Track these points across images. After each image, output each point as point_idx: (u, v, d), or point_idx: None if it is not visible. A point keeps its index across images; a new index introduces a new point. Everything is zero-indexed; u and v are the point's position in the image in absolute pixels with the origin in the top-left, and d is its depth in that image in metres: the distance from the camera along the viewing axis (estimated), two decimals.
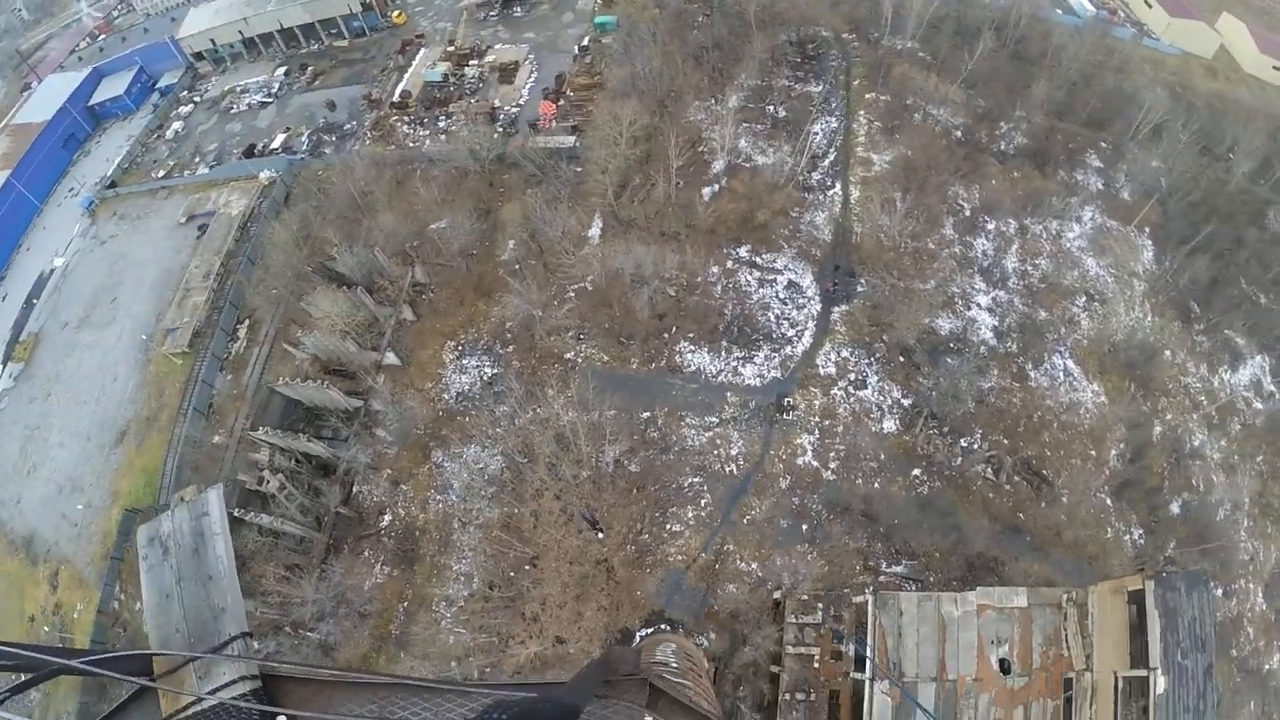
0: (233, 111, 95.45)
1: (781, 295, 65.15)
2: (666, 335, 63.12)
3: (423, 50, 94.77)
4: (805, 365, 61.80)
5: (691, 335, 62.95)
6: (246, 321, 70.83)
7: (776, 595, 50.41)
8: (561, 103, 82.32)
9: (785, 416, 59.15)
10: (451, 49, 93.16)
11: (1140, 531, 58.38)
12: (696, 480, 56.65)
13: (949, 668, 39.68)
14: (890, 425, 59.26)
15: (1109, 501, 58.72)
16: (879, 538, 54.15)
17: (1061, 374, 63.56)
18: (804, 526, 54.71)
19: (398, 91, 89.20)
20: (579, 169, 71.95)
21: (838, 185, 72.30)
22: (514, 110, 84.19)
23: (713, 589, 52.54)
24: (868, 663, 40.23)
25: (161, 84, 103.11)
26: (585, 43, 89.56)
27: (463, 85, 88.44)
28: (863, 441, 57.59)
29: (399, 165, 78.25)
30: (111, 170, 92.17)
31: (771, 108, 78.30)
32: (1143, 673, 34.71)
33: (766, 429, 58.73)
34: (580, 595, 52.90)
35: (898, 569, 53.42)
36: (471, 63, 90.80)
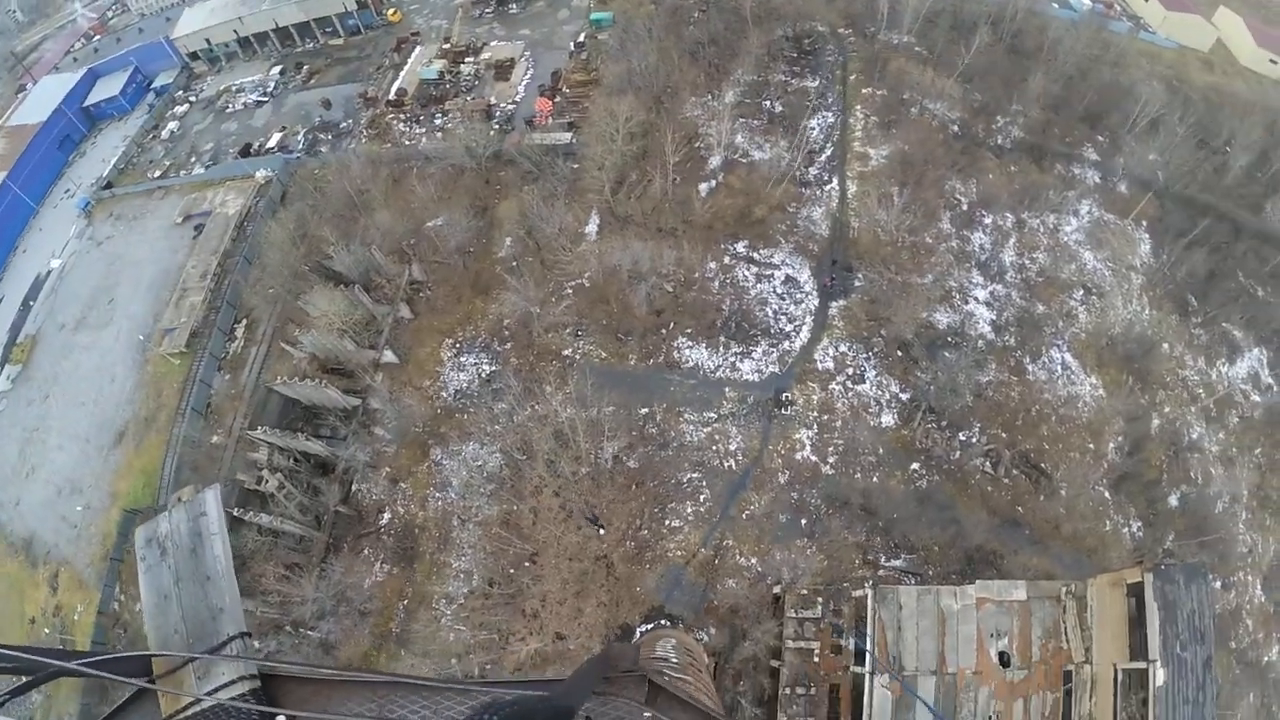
0: (228, 111, 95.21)
1: (779, 290, 65.14)
2: (664, 331, 63.10)
3: (418, 48, 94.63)
4: (803, 360, 61.81)
5: (689, 331, 62.92)
6: (244, 321, 70.75)
7: (776, 590, 50.46)
8: (557, 99, 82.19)
9: (783, 411, 59.17)
10: (447, 46, 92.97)
11: (1139, 524, 58.48)
12: (695, 476, 56.66)
13: (949, 661, 39.79)
14: (888, 419, 59.31)
15: (1107, 494, 58.81)
16: (878, 532, 54.22)
17: (1059, 367, 63.60)
18: (803, 521, 54.76)
19: (393, 89, 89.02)
20: (575, 166, 71.84)
21: (835, 180, 72.25)
22: (510, 107, 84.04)
23: (712, 584, 52.59)
24: (868, 657, 40.31)
25: (157, 84, 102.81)
26: (581, 39, 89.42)
27: (458, 83, 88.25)
28: (861, 436, 57.63)
29: (395, 163, 78.11)
30: (107, 171, 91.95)
31: (768, 103, 78.19)
32: (1142, 665, 34.84)
33: (765, 424, 58.75)
34: (580, 591, 52.94)
35: (897, 563, 53.49)
36: (467, 60, 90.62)
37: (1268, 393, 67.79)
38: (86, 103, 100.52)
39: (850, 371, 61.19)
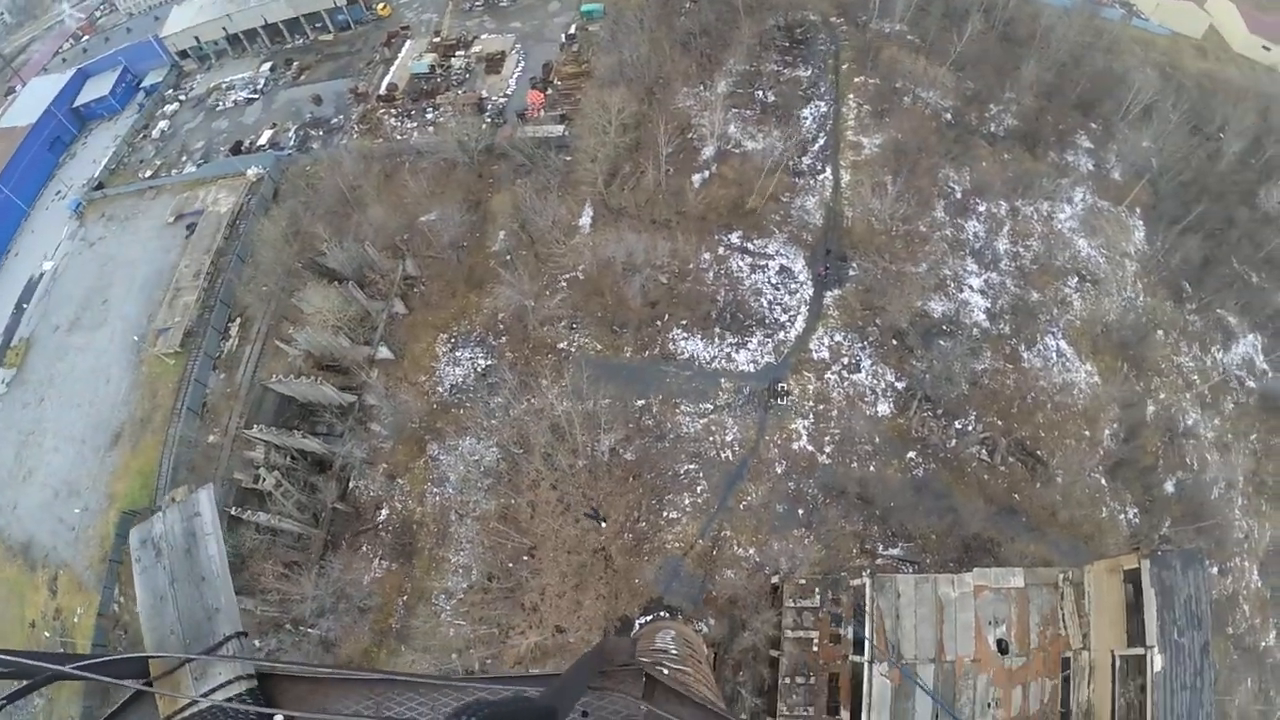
0: (219, 109, 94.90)
1: (774, 280, 65.08)
2: (659, 323, 63.02)
3: (408, 42, 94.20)
4: (798, 350, 61.80)
5: (684, 322, 62.87)
6: (238, 319, 70.58)
7: (774, 580, 50.56)
8: (549, 92, 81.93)
9: (779, 402, 59.18)
10: (437, 40, 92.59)
11: (1135, 511, 58.61)
12: (692, 467, 56.69)
13: (947, 649, 39.84)
14: (884, 408, 59.34)
15: (1104, 481, 58.92)
16: (875, 521, 54.31)
17: (1054, 355, 63.64)
18: (800, 511, 54.83)
19: (384, 84, 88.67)
20: (568, 158, 71.64)
21: (828, 169, 72.13)
22: (502, 100, 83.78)
23: (711, 575, 52.66)
24: (866, 645, 40.39)
25: (146, 83, 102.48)
26: (572, 31, 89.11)
27: (449, 76, 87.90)
28: (857, 425, 57.66)
29: (387, 158, 77.92)
30: (98, 172, 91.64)
31: (760, 93, 77.97)
32: (1140, 651, 34.85)
33: (761, 414, 58.76)
34: (579, 584, 53.00)
35: (894, 551, 53.59)
36: (458, 54, 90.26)
37: (1263, 378, 67.91)
38: (76, 103, 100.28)
39: (846, 361, 61.19)
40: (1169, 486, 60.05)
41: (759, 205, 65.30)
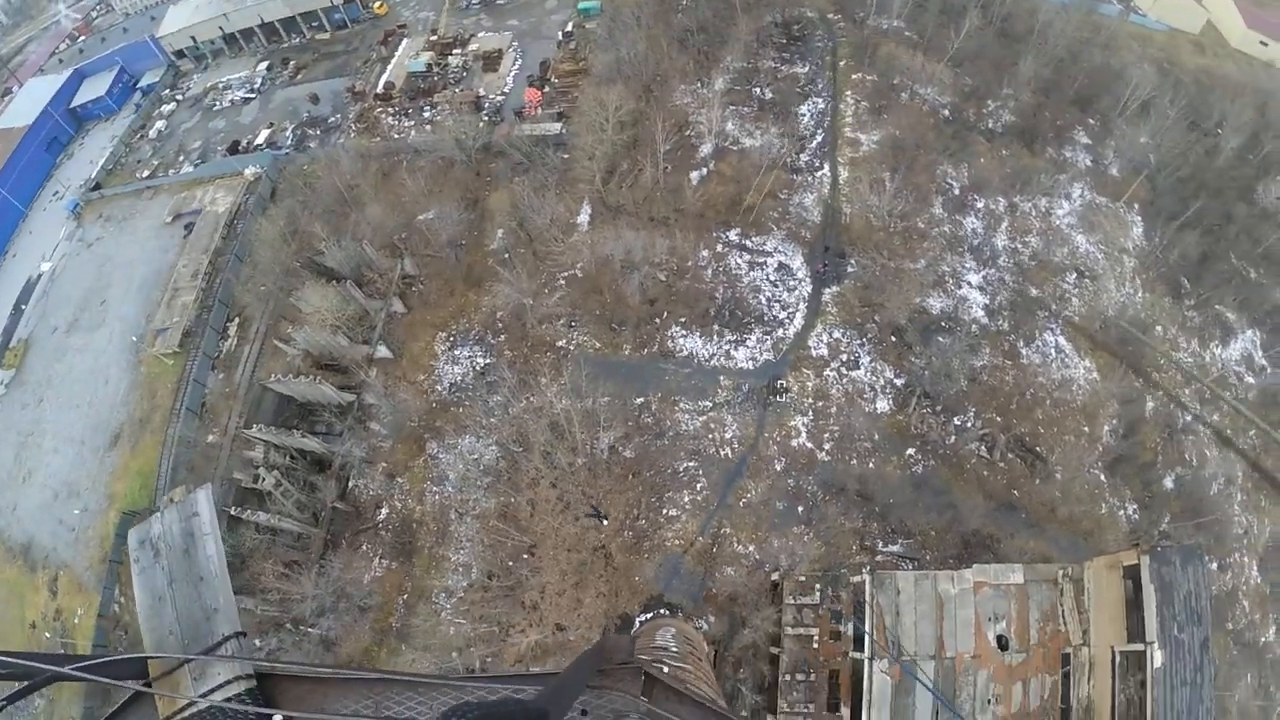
0: (216, 108, 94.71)
1: (772, 278, 65.04)
2: (658, 320, 62.99)
3: (405, 40, 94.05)
4: (797, 347, 61.78)
5: (683, 320, 62.84)
6: (236, 319, 70.54)
7: (774, 577, 50.54)
8: (546, 90, 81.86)
9: (778, 399, 59.18)
10: (434, 38, 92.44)
11: (1134, 507, 58.60)
12: (692, 464, 56.68)
13: (947, 645, 39.82)
14: (883, 405, 59.34)
15: (1103, 477, 58.92)
16: (875, 517, 54.32)
17: (1053, 351, 63.62)
18: (800, 508, 54.84)
19: (381, 83, 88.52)
20: (566, 156, 71.59)
21: (826, 166, 72.10)
22: (499, 99, 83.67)
23: (710, 572, 52.69)
24: (866, 642, 40.40)
25: (143, 83, 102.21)
26: (569, 28, 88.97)
27: (446, 75, 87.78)
28: (856, 422, 57.67)
29: (385, 157, 77.83)
30: (95, 172, 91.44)
31: (758, 90, 77.86)
32: (1139, 647, 34.82)
33: (760, 412, 58.76)
34: (579, 582, 53.01)
35: (894, 548, 53.62)
36: (455, 52, 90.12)
37: (1261, 374, 67.86)
38: (73, 104, 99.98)
39: (844, 358, 61.19)
40: (1168, 482, 60.04)
41: (756, 202, 65.25)
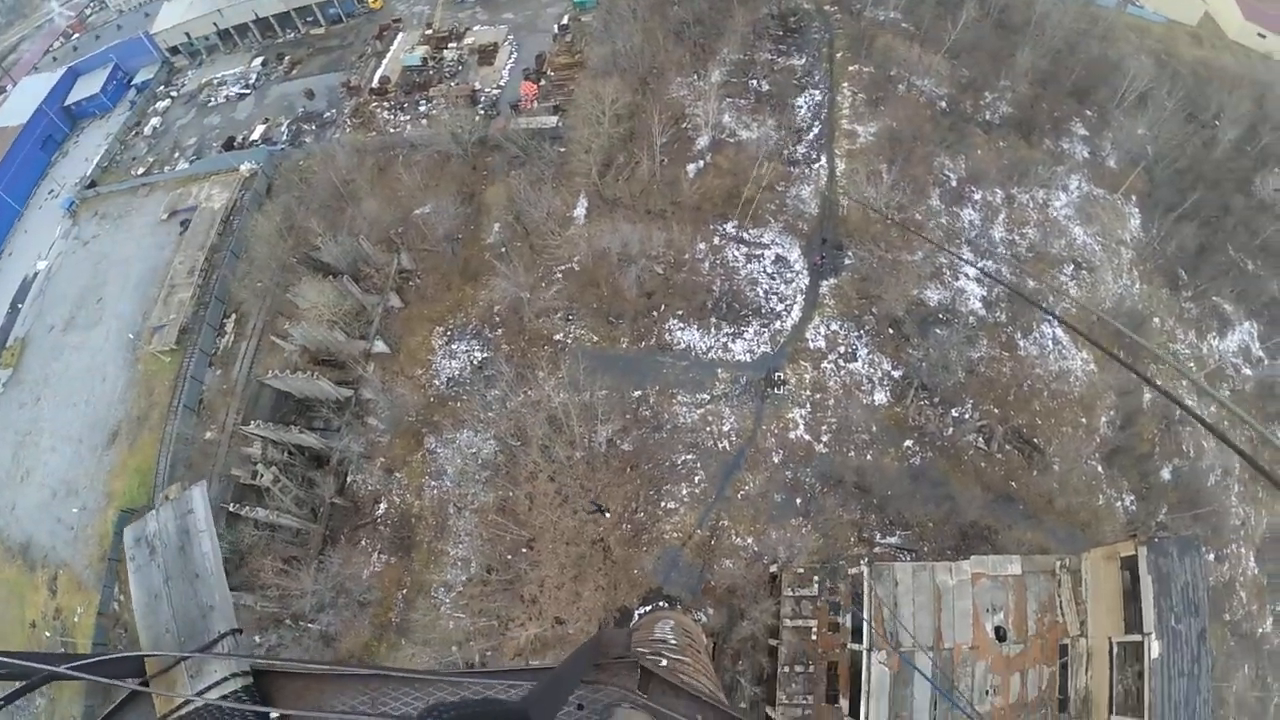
0: (211, 104, 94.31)
1: (769, 270, 64.97)
2: (655, 313, 62.94)
3: (400, 34, 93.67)
4: (795, 339, 61.76)
5: (680, 313, 62.78)
6: (233, 316, 70.41)
7: (773, 569, 50.64)
8: (542, 83, 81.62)
9: (776, 391, 59.18)
10: (429, 32, 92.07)
11: (1132, 498, 58.69)
12: (690, 457, 56.69)
13: (945, 636, 39.93)
14: (881, 397, 59.35)
15: (1100, 468, 58.99)
16: (873, 509, 54.38)
17: (1050, 342, 63.59)
18: (798, 500, 54.90)
19: (376, 77, 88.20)
20: (562, 149, 71.40)
21: (823, 158, 71.98)
22: (495, 92, 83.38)
23: (709, 565, 52.76)
24: (865, 633, 40.49)
25: (137, 80, 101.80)
26: (565, 21, 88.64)
27: (442, 69, 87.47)
28: (854, 414, 57.69)
29: (380, 152, 77.56)
30: (91, 170, 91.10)
31: (754, 82, 77.66)
32: (1137, 638, 34.93)
33: (758, 404, 58.76)
34: (578, 576, 53.07)
35: (892, 540, 53.69)
36: (450, 45, 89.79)
37: (1258, 365, 67.91)
38: (67, 102, 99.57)
39: (842, 350, 61.18)
40: (1165, 474, 60.13)
41: (754, 194, 65.16)
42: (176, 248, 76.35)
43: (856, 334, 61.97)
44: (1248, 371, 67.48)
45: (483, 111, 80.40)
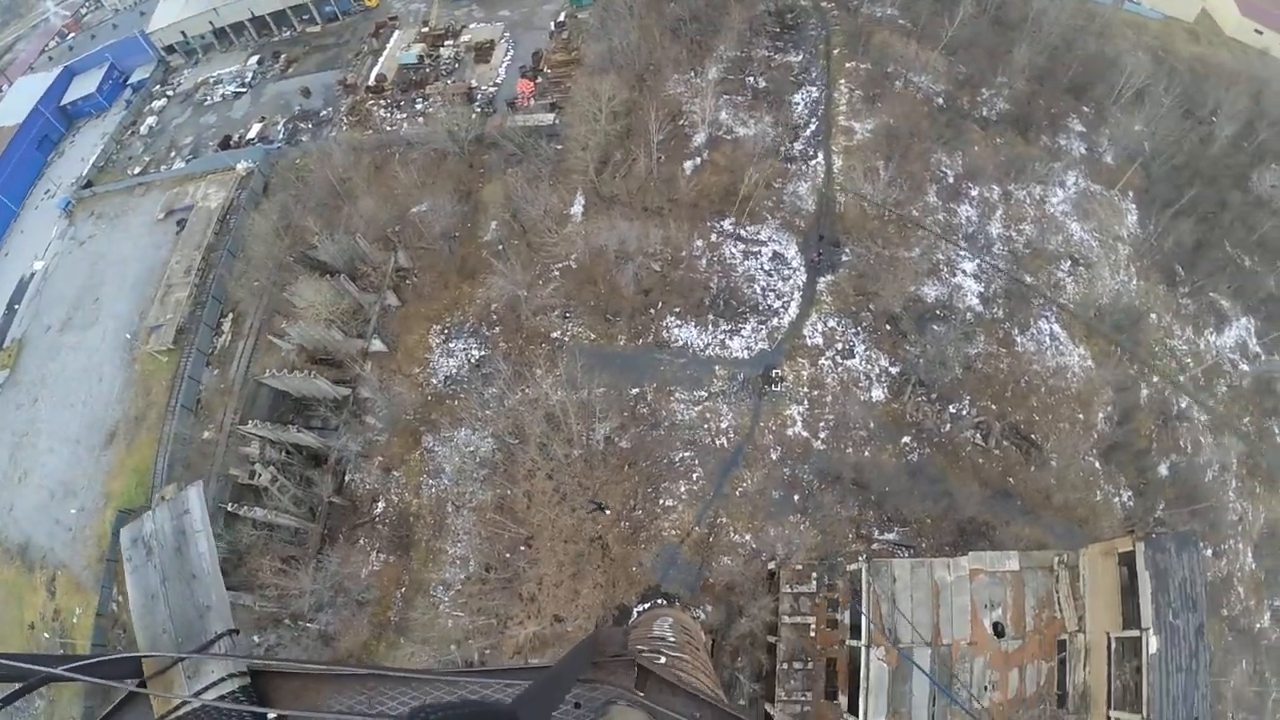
0: (207, 103, 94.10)
1: (766, 267, 64.98)
2: (653, 311, 62.96)
3: (396, 32, 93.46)
4: (792, 336, 61.80)
5: (678, 310, 62.80)
6: (230, 315, 70.33)
7: (771, 566, 50.70)
8: (539, 80, 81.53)
9: (774, 388, 59.22)
10: (426, 30, 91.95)
11: (1129, 493, 58.80)
12: (688, 454, 56.74)
13: (943, 632, 39.92)
14: (878, 394, 59.40)
15: (1098, 464, 59.08)
16: (870, 506, 54.45)
17: (1048, 339, 63.68)
18: (796, 497, 54.96)
19: (373, 75, 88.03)
20: (559, 146, 71.33)
21: (820, 155, 71.94)
22: (491, 90, 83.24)
23: (707, 562, 52.81)
24: (863, 630, 40.52)
25: (133, 79, 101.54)
26: (561, 19, 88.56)
27: (438, 66, 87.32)
28: (851, 410, 57.74)
29: (377, 150, 77.48)
30: (87, 169, 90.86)
31: (751, 79, 77.66)
32: (1135, 633, 34.93)
33: (755, 401, 58.79)
34: (576, 573, 53.10)
35: (890, 536, 53.76)
36: (446, 43, 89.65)
37: (1255, 361, 67.93)
38: (63, 101, 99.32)
39: (839, 346, 61.22)
40: (1163, 469, 60.20)
41: (751, 191, 65.13)
42: (173, 247, 76.23)
43: (854, 330, 62.01)
44: (1245, 367, 67.53)
45: (479, 109, 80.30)
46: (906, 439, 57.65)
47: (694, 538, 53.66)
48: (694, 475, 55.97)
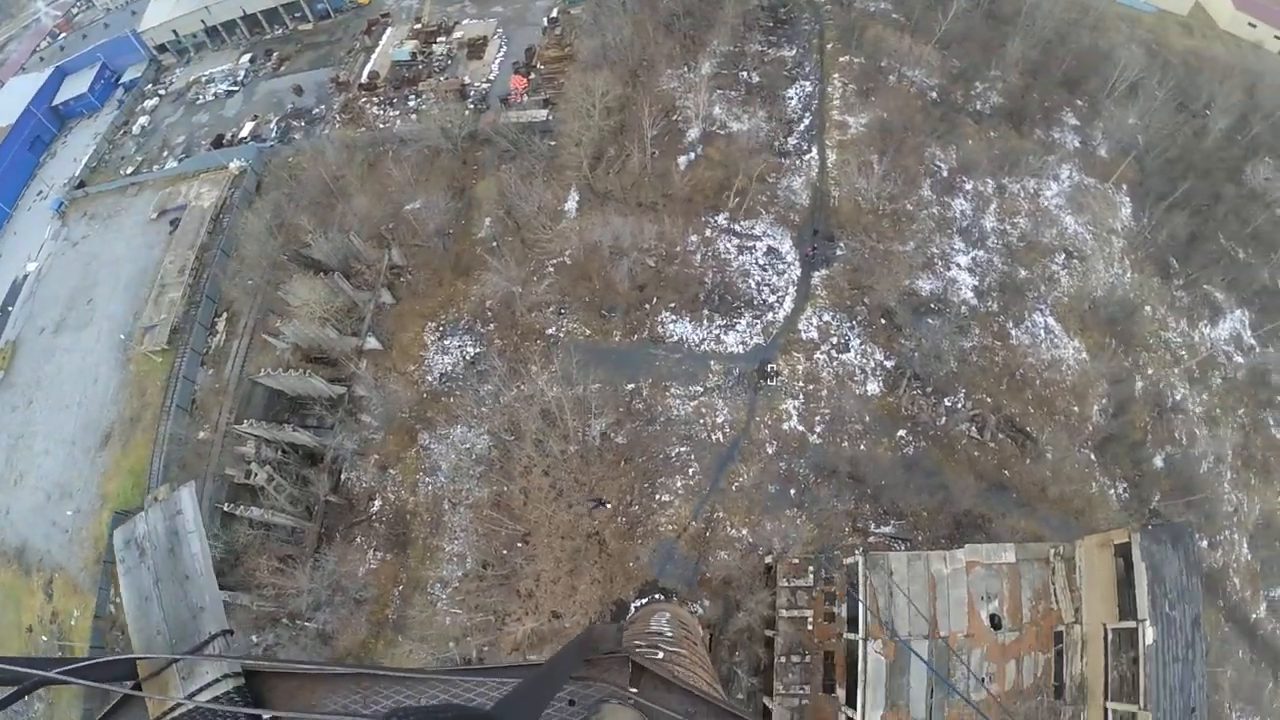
0: (199, 102, 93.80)
1: (761, 262, 64.98)
2: (648, 306, 62.92)
3: (389, 29, 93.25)
4: (787, 330, 61.82)
5: (673, 305, 62.77)
6: (224, 314, 70.13)
7: (768, 560, 50.76)
8: (532, 76, 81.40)
9: (769, 382, 59.24)
10: (418, 27, 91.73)
11: (1125, 485, 58.97)
12: (684, 450, 56.75)
13: (940, 625, 39.99)
14: (874, 387, 59.47)
15: (1093, 456, 59.24)
16: (867, 499, 54.52)
17: (1042, 331, 63.80)
18: (792, 491, 55.01)
19: (365, 73, 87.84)
20: (552, 142, 71.21)
21: (814, 149, 71.93)
22: (484, 86, 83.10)
23: (704, 557, 52.86)
24: (860, 623, 40.58)
25: (125, 79, 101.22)
26: (554, 14, 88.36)
27: (431, 63, 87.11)
28: (847, 404, 57.81)
29: (370, 147, 77.32)
30: (79, 170, 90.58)
31: (745, 74, 77.59)
32: (1131, 624, 35.02)
33: (751, 396, 58.83)
34: (574, 569, 53.11)
35: (886, 529, 53.84)
36: (439, 40, 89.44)
37: (1250, 353, 68.15)
38: (55, 102, 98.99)
39: (834, 340, 61.27)
40: (1158, 461, 60.36)
41: (745, 186, 65.11)
42: (166, 247, 76.00)
43: (849, 324, 62.04)
44: (1239, 359, 67.76)
45: (472, 106, 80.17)
46: (902, 432, 57.72)
47: (691, 533, 53.70)
48: (690, 470, 55.99)
